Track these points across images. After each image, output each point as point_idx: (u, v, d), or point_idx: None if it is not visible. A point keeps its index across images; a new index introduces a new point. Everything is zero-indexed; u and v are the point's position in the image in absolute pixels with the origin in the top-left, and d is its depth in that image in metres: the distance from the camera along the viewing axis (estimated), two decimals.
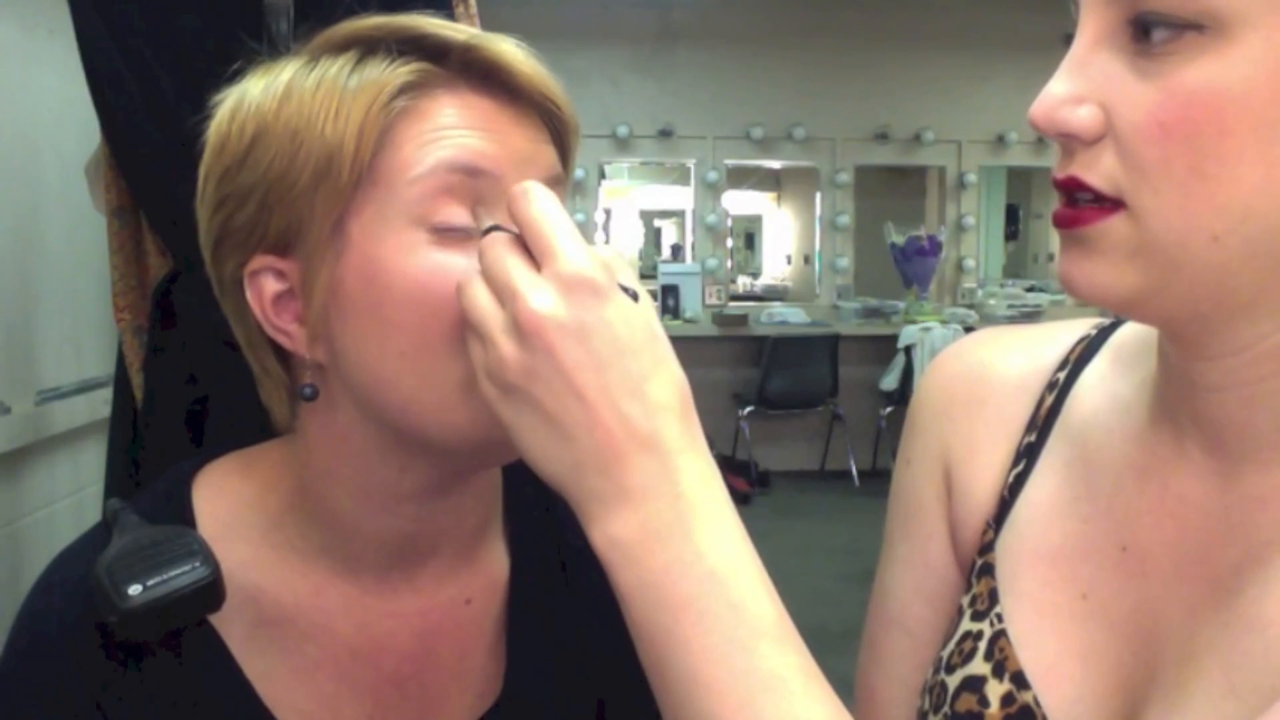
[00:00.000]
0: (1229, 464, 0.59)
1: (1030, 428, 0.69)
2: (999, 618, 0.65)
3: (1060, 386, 0.69)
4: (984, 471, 0.70)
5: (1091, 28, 0.53)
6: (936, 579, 0.73)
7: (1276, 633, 0.54)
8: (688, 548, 0.53)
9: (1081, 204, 0.54)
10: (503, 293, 0.55)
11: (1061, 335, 0.72)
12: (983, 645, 0.65)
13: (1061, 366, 0.70)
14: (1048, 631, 0.63)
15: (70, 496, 2.41)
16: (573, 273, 0.54)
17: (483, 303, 0.56)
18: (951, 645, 0.67)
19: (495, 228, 0.59)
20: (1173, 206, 0.51)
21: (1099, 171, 0.53)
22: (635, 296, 0.56)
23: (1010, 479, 0.69)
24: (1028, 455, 0.69)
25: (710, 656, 0.51)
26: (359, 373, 0.64)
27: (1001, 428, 0.71)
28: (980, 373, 0.73)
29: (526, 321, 0.53)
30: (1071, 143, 0.54)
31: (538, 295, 0.54)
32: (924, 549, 0.73)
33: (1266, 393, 0.56)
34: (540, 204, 0.57)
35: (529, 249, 0.57)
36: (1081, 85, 0.53)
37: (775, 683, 0.51)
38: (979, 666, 0.64)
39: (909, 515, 0.74)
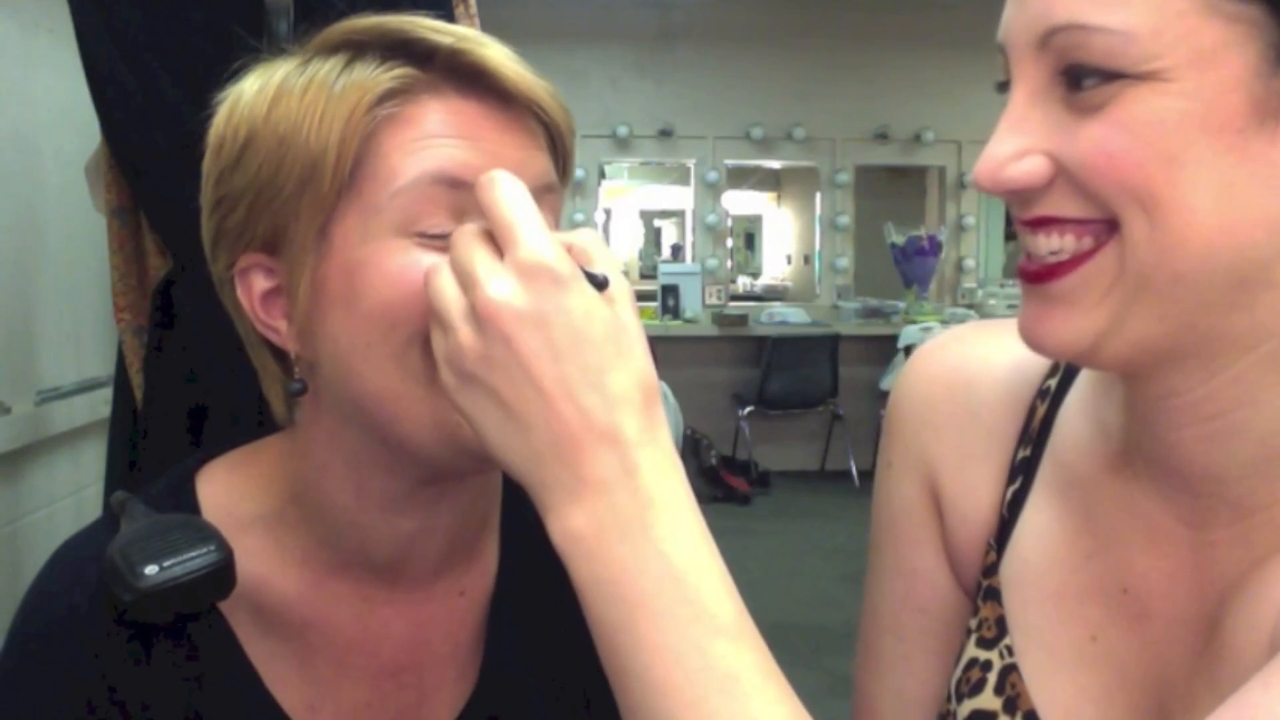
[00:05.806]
0: (1194, 499, 0.58)
1: (1024, 440, 0.67)
2: (1009, 650, 0.64)
3: (1053, 395, 0.67)
4: (978, 487, 0.68)
5: (1025, 84, 0.54)
6: (928, 585, 0.71)
7: (1246, 663, 0.53)
8: (645, 543, 0.51)
9: (1051, 261, 0.53)
10: (464, 280, 0.55)
11: None
12: (992, 678, 0.63)
13: (1053, 372, 0.68)
14: (1060, 673, 0.62)
15: (70, 496, 2.41)
16: (533, 261, 0.53)
17: (446, 290, 0.56)
18: (959, 671, 0.66)
19: None
20: (1140, 236, 0.51)
21: (1065, 207, 0.53)
22: (605, 284, 0.55)
23: (1008, 496, 0.67)
24: (1024, 471, 0.66)
25: (665, 655, 0.50)
26: (336, 367, 0.65)
27: (992, 439, 0.68)
28: (964, 376, 0.70)
29: (484, 309, 0.53)
30: (1024, 195, 0.54)
31: (496, 283, 0.53)
32: (912, 555, 0.71)
33: (1213, 433, 0.55)
34: (504, 192, 0.56)
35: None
36: (1023, 140, 0.53)
37: (729, 683, 0.49)
38: (989, 700, 0.63)
39: (893, 521, 0.72)
